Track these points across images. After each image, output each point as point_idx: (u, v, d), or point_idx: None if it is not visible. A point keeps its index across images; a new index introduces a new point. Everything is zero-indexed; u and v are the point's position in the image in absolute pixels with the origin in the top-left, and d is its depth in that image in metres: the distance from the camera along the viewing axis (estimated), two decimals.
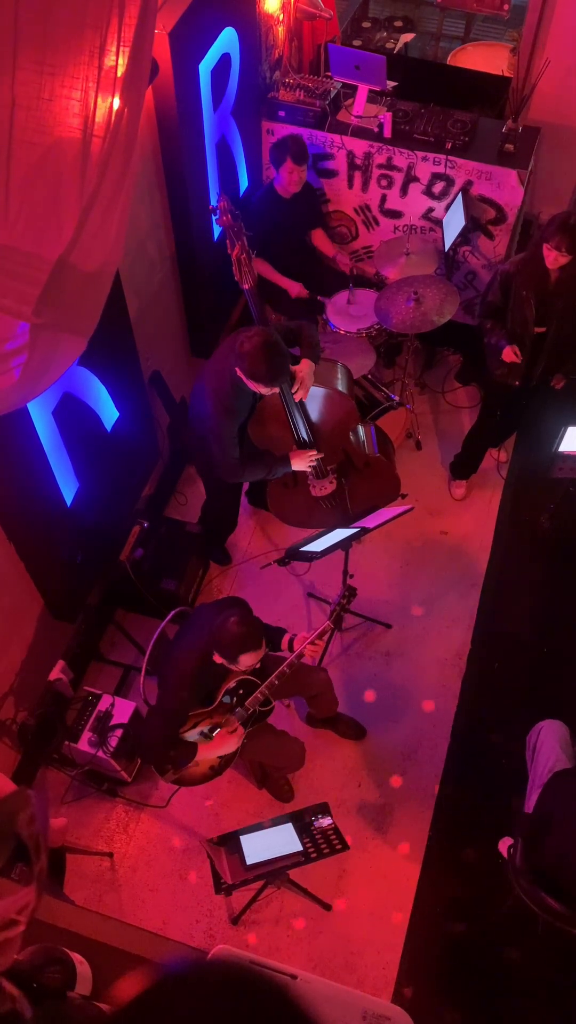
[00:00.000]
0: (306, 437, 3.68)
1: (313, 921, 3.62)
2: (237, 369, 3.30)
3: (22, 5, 1.84)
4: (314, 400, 3.62)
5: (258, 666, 3.20)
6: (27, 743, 3.66)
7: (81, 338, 2.24)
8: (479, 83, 5.24)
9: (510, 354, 3.88)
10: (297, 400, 3.50)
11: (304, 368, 3.44)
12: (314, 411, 3.66)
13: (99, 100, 1.93)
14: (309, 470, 3.77)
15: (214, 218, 3.29)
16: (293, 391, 3.44)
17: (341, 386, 3.68)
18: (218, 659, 3.04)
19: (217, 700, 3.23)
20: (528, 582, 4.54)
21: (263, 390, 3.35)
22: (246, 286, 3.39)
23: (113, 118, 1.95)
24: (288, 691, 3.57)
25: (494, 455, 4.93)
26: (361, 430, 3.94)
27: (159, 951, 2.00)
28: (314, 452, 3.69)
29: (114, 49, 1.89)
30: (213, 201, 3.27)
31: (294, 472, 3.83)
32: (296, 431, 3.65)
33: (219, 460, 3.59)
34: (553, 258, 3.61)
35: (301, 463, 3.69)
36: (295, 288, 4.63)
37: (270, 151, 4.35)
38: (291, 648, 3.36)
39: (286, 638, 3.40)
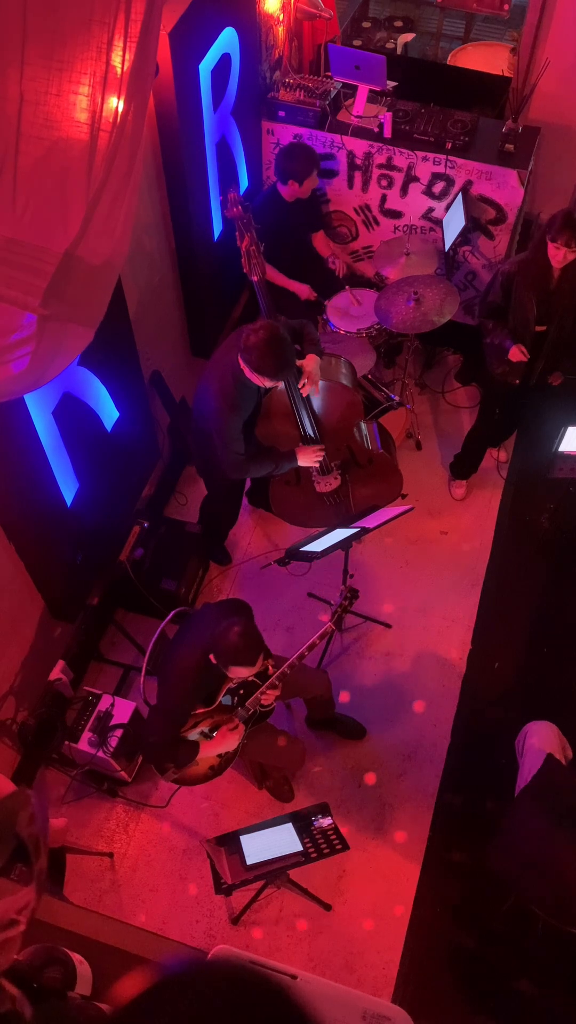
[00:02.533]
0: (312, 432, 3.68)
1: (313, 921, 3.62)
2: (241, 362, 3.29)
3: (30, 1, 1.85)
4: (318, 395, 3.62)
5: (255, 672, 3.19)
6: (27, 743, 3.66)
7: (88, 329, 2.26)
8: (479, 83, 5.23)
9: (517, 353, 3.86)
10: (305, 394, 3.50)
11: (310, 363, 3.44)
12: (319, 406, 3.66)
13: (106, 95, 1.94)
14: (315, 465, 3.76)
15: (223, 210, 3.27)
16: (300, 385, 3.44)
17: (346, 380, 3.69)
18: (213, 660, 3.05)
19: (217, 700, 3.23)
20: (528, 582, 4.54)
21: (267, 383, 3.34)
22: (255, 278, 3.38)
23: (119, 113, 1.97)
24: (288, 692, 3.56)
25: (494, 455, 4.93)
26: (364, 427, 3.95)
27: (159, 951, 2.00)
28: (320, 447, 3.69)
29: (121, 44, 1.91)
30: (216, 199, 3.27)
31: (297, 470, 3.83)
32: (302, 426, 3.65)
33: (223, 456, 3.58)
34: (562, 256, 3.58)
35: (307, 459, 3.69)
36: (304, 291, 4.61)
37: (284, 163, 4.26)
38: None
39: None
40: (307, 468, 3.84)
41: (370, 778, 3.93)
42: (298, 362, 3.45)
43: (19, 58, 1.88)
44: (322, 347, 3.57)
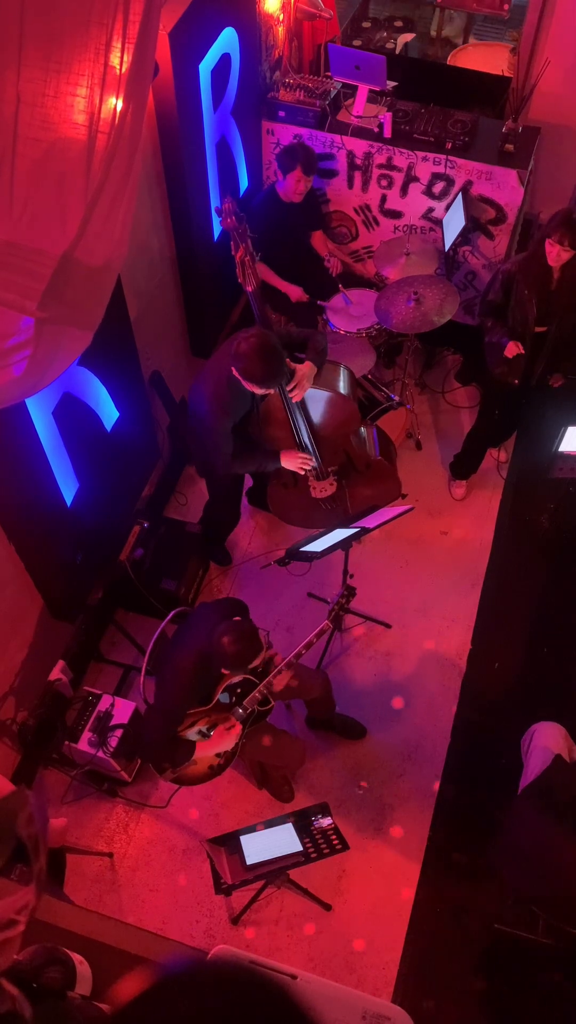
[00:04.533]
0: (307, 440, 3.69)
1: (313, 921, 3.62)
2: (233, 369, 3.31)
3: (28, 2, 1.84)
4: (316, 402, 3.62)
5: (260, 668, 3.21)
6: (27, 743, 3.66)
7: (86, 332, 2.25)
8: (479, 83, 5.23)
9: (513, 349, 3.87)
10: (294, 400, 3.50)
11: (304, 368, 3.45)
12: (316, 413, 3.66)
13: (104, 96, 1.93)
14: (301, 472, 3.77)
15: (218, 219, 3.29)
16: (289, 390, 3.44)
17: (343, 388, 3.68)
18: (218, 666, 3.07)
19: (215, 699, 3.23)
20: (528, 582, 4.54)
21: (257, 390, 3.37)
22: (249, 288, 3.39)
23: (118, 114, 1.97)
24: (287, 693, 3.56)
25: (494, 455, 4.93)
26: (363, 432, 3.94)
27: (159, 951, 2.00)
28: (307, 456, 3.70)
29: (119, 46, 1.90)
30: (215, 202, 3.26)
31: (294, 472, 3.83)
32: (297, 433, 3.66)
33: (212, 454, 3.63)
34: (556, 254, 3.59)
35: (291, 463, 3.70)
36: (295, 292, 4.63)
37: (278, 156, 4.30)
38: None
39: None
40: (304, 471, 3.85)
41: (373, 778, 3.92)
42: (293, 365, 3.46)
43: (16, 59, 1.87)
44: (325, 358, 3.58)
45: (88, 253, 2.03)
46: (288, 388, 3.44)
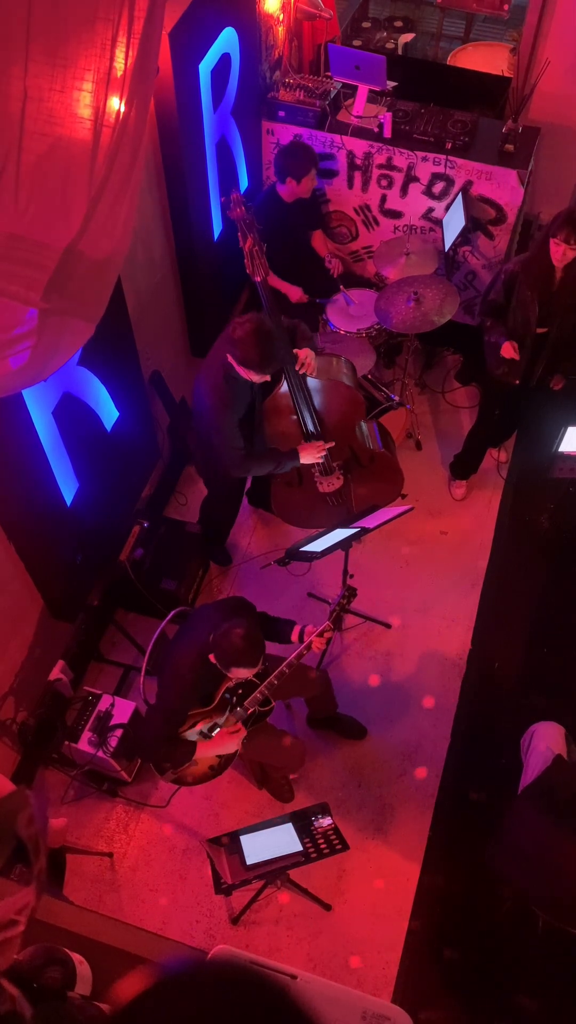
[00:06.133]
0: (313, 429, 3.68)
1: (313, 921, 3.61)
2: (229, 356, 3.30)
3: None
4: (320, 393, 3.62)
5: (255, 672, 3.19)
6: (27, 743, 3.66)
7: (89, 324, 2.26)
8: (479, 83, 5.23)
9: (509, 350, 3.87)
10: (304, 373, 3.48)
11: (305, 351, 3.45)
12: (320, 405, 3.66)
13: (109, 92, 1.95)
14: (320, 460, 3.75)
15: (225, 210, 3.28)
16: (297, 367, 3.44)
17: (347, 380, 3.69)
18: (212, 659, 3.05)
19: (216, 700, 3.23)
20: (528, 582, 4.54)
21: (254, 377, 3.34)
22: (258, 279, 3.38)
23: (123, 109, 1.98)
24: (288, 692, 3.56)
25: (494, 455, 4.93)
26: (365, 426, 3.96)
27: (159, 951, 2.00)
28: (322, 443, 3.68)
29: (124, 41, 1.92)
30: (216, 202, 3.26)
31: (298, 471, 3.82)
32: (303, 423, 3.65)
33: (223, 454, 3.58)
34: (561, 253, 3.58)
35: (310, 456, 3.69)
36: (295, 293, 4.63)
37: (283, 160, 4.29)
38: (300, 639, 3.35)
39: (296, 630, 3.39)
40: (309, 469, 3.84)
41: (374, 778, 3.91)
42: (294, 350, 3.46)
43: (23, 55, 1.88)
44: (316, 344, 3.57)
45: (91, 246, 2.04)
46: (296, 366, 3.43)
